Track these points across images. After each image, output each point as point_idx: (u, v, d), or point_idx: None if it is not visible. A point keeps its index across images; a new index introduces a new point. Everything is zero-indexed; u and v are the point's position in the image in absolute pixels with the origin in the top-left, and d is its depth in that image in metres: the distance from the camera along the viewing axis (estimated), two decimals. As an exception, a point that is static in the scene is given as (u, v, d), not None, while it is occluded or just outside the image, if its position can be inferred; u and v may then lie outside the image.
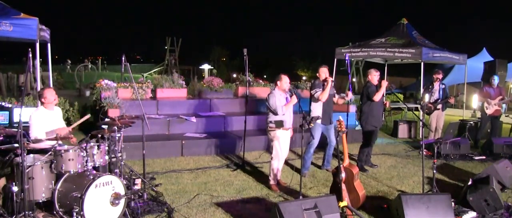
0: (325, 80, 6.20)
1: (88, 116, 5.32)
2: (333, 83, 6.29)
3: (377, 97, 6.57)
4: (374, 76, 6.74)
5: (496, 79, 9.00)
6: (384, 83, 6.59)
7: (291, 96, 5.60)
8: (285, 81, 5.66)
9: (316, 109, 6.27)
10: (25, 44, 7.06)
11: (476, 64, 14.15)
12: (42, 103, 4.90)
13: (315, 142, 6.33)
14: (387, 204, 5.06)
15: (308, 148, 6.34)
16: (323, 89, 6.17)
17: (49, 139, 4.50)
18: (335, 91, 6.54)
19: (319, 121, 6.07)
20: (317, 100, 6.22)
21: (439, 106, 8.65)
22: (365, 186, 5.67)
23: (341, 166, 4.69)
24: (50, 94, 4.90)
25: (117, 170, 4.71)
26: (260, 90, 10.43)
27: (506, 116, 10.04)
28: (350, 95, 6.63)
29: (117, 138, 4.84)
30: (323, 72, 6.32)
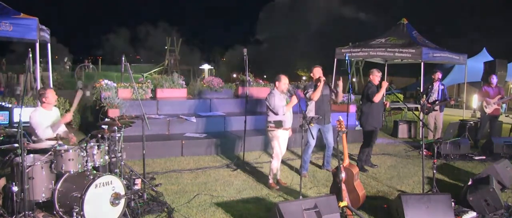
0: (318, 80, 6.19)
1: (80, 93, 5.29)
2: (325, 82, 6.21)
3: (377, 98, 6.57)
4: (376, 76, 6.74)
5: (495, 79, 9.01)
6: (385, 84, 6.59)
7: (291, 97, 5.60)
8: (284, 82, 5.66)
9: (310, 109, 6.26)
10: (25, 44, 7.07)
11: (476, 64, 14.16)
12: (43, 103, 4.90)
13: (312, 142, 6.32)
14: (387, 204, 5.06)
15: (306, 149, 6.33)
16: (315, 89, 6.16)
17: (49, 139, 4.51)
18: (330, 92, 6.48)
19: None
20: (309, 100, 6.22)
21: (437, 107, 8.66)
22: (365, 186, 5.67)
23: (341, 166, 4.69)
24: (52, 95, 4.92)
25: (117, 170, 4.71)
26: (260, 91, 10.43)
27: (506, 116, 10.04)
28: (340, 85, 6.49)
29: (117, 138, 4.84)
30: (317, 72, 6.29)
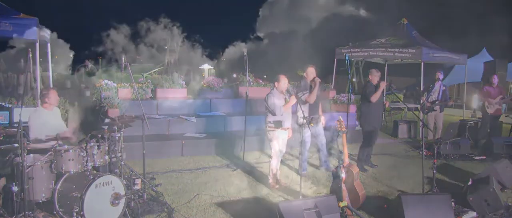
0: (313, 81, 6.13)
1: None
2: (320, 83, 6.14)
3: (374, 98, 6.55)
4: (375, 76, 6.73)
5: (496, 79, 9.00)
6: (383, 84, 6.58)
7: (290, 97, 5.59)
8: (283, 82, 5.63)
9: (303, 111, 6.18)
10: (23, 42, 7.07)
11: (476, 64, 14.15)
12: (44, 103, 4.91)
13: (307, 143, 6.27)
14: (387, 204, 5.06)
15: (303, 148, 6.27)
16: (311, 91, 6.11)
17: (49, 139, 4.51)
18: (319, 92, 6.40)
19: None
20: (304, 102, 6.11)
21: (437, 107, 8.65)
22: (365, 186, 5.67)
23: (341, 166, 4.69)
24: (54, 96, 4.93)
25: (117, 170, 4.71)
26: (260, 91, 10.42)
27: (506, 116, 10.04)
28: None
29: (117, 138, 4.85)
30: (311, 72, 6.22)
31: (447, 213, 4.31)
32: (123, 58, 5.54)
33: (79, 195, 3.86)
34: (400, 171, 6.87)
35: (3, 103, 6.92)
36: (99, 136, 4.63)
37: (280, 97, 5.62)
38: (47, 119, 4.84)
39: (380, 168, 7.02)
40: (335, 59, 12.17)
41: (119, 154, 4.86)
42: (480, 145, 8.93)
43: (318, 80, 6.07)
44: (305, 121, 4.91)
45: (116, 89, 8.78)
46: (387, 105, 7.10)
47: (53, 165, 4.13)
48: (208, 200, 5.16)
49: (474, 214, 4.76)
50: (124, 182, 4.37)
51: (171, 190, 5.51)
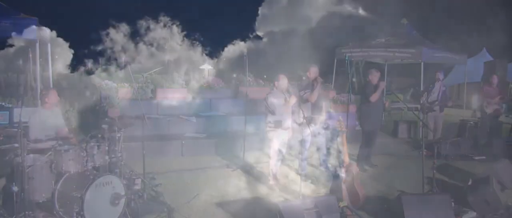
0: (315, 80, 6.14)
1: None
2: (322, 83, 6.16)
3: (374, 98, 6.54)
4: (374, 76, 6.73)
5: (496, 79, 9.00)
6: (382, 84, 6.58)
7: (289, 96, 5.60)
8: (283, 81, 5.65)
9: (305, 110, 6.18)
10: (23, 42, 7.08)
11: (476, 64, 14.14)
12: (44, 103, 4.91)
13: (306, 142, 6.26)
14: (387, 204, 5.06)
15: (303, 148, 6.28)
16: (312, 91, 6.12)
17: (49, 139, 4.51)
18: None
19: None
20: (305, 101, 6.11)
21: (436, 107, 8.65)
22: (365, 186, 5.66)
23: (341, 166, 4.70)
24: (54, 96, 4.95)
25: (117, 170, 4.71)
26: (260, 91, 10.40)
27: (506, 116, 10.03)
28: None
29: (117, 138, 4.84)
30: (313, 72, 6.24)
31: (447, 213, 4.31)
32: (123, 58, 5.53)
33: (79, 195, 3.86)
34: (400, 171, 6.87)
35: (3, 103, 6.92)
36: (99, 136, 4.63)
37: (280, 97, 5.63)
38: (47, 119, 4.84)
39: (380, 168, 7.02)
40: (335, 59, 12.16)
41: (119, 154, 4.85)
42: (480, 145, 8.92)
43: (320, 79, 6.08)
44: (305, 120, 4.91)
45: (116, 89, 8.78)
46: (387, 105, 7.09)
47: (53, 165, 4.13)
48: (208, 200, 5.16)
49: (474, 214, 4.76)
50: (124, 182, 4.37)
51: (171, 190, 5.51)
